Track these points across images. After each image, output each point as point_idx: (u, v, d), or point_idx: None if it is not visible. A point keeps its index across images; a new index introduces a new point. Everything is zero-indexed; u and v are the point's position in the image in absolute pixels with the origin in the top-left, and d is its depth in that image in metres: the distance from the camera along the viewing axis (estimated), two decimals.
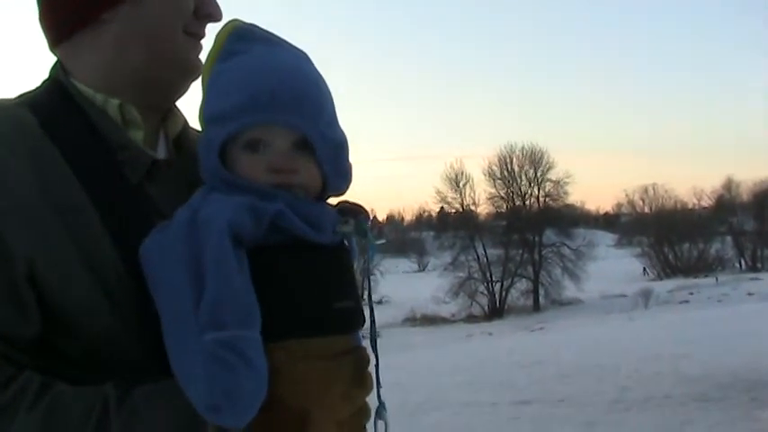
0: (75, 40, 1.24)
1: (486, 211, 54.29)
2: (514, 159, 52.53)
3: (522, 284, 48.07)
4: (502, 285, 46.96)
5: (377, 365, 1.20)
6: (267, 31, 1.19)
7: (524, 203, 52.64)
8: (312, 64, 1.19)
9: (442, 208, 57.78)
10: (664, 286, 44.57)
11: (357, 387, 1.11)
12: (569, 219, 54.92)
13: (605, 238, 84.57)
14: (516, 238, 49.81)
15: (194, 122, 1.32)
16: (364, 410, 1.15)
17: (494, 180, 52.71)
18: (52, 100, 1.23)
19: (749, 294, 34.50)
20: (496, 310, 44.75)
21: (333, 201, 1.21)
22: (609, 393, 9.36)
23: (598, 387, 9.84)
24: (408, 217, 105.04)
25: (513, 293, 47.31)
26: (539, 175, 52.11)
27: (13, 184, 1.10)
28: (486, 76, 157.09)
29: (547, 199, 52.27)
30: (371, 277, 1.23)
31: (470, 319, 41.84)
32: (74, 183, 1.14)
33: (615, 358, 11.99)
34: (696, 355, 11.51)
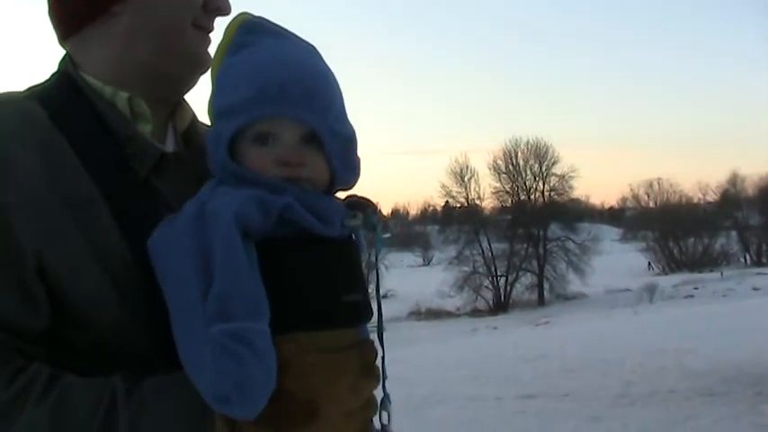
0: (85, 33, 1.25)
1: (491, 205, 54.22)
2: (519, 153, 52.47)
3: (527, 279, 47.99)
4: (507, 279, 46.92)
5: (383, 358, 1.21)
6: (276, 25, 1.19)
7: (529, 198, 52.53)
8: (321, 58, 1.19)
9: (446, 202, 57.83)
10: (669, 281, 44.44)
11: (365, 379, 1.11)
12: (574, 213, 54.82)
13: (610, 233, 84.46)
14: (521, 233, 49.75)
15: (202, 116, 1.33)
16: (371, 403, 1.15)
17: (499, 174, 52.65)
18: (61, 93, 1.23)
19: (754, 289, 34.37)
20: (501, 305, 44.72)
21: (341, 194, 1.21)
22: (613, 388, 9.35)
23: (603, 381, 9.83)
24: (413, 211, 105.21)
25: (518, 288, 47.25)
26: (544, 169, 52.01)
27: (23, 177, 1.11)
28: (492, 70, 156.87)
29: (552, 193, 52.15)
30: (378, 270, 1.24)
31: (475, 313, 41.80)
32: (83, 175, 1.15)
33: (620, 353, 11.98)
34: (701, 349, 11.49)
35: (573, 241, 49.15)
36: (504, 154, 52.49)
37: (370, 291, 1.18)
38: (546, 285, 46.93)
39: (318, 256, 1.10)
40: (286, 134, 1.12)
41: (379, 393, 1.19)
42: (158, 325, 1.06)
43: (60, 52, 1.30)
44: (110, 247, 1.12)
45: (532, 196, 52.45)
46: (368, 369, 1.13)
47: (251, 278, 1.01)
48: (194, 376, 1.00)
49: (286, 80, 1.10)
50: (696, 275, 48.99)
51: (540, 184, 52.18)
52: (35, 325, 1.09)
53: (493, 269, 46.89)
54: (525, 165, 52.43)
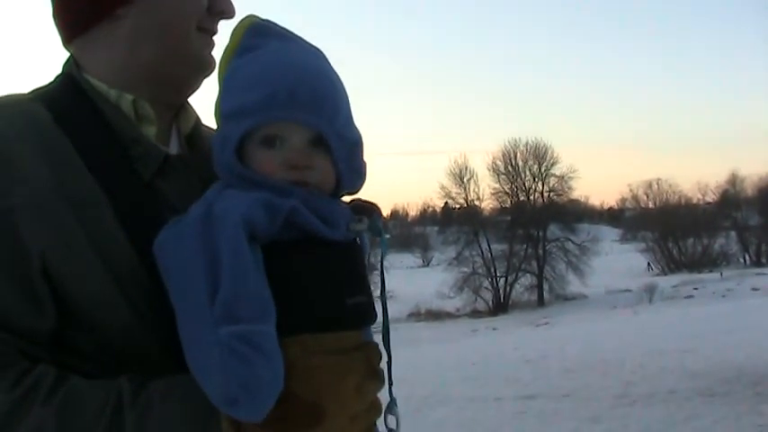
0: (89, 35, 1.25)
1: (491, 206, 54.16)
2: (518, 154, 52.39)
3: (527, 279, 47.93)
4: (506, 280, 46.87)
5: (389, 362, 1.21)
6: (283, 28, 1.19)
7: (528, 198, 52.47)
8: (328, 61, 1.20)
9: (446, 203, 57.76)
10: (668, 281, 44.44)
11: (369, 381, 1.12)
12: (573, 214, 54.78)
13: (610, 233, 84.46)
14: (520, 233, 49.70)
15: (206, 119, 1.33)
16: (376, 406, 1.15)
17: (498, 175, 52.58)
18: (65, 95, 1.23)
19: (754, 289, 34.37)
20: (501, 305, 44.67)
21: (346, 198, 1.22)
22: (614, 388, 9.35)
23: (603, 382, 9.84)
24: (412, 212, 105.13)
25: (518, 288, 47.19)
26: (543, 170, 51.93)
27: (28, 178, 1.11)
28: (491, 71, 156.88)
29: (551, 194, 52.09)
30: (376, 272, 1.24)
31: (475, 314, 41.75)
32: (87, 177, 1.15)
33: (620, 353, 11.99)
34: (701, 349, 11.50)
35: (572, 242, 49.09)
36: (504, 155, 52.50)
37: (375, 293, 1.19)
38: (545, 286, 46.87)
39: (324, 260, 1.10)
40: (294, 137, 1.12)
41: (383, 398, 1.19)
42: (164, 326, 1.06)
43: (65, 54, 1.30)
44: (115, 249, 1.12)
45: (532, 197, 52.44)
46: (372, 371, 1.13)
47: (257, 280, 1.01)
48: (201, 378, 1.00)
49: (295, 84, 1.10)
50: (696, 276, 48.96)
51: (540, 184, 52.15)
52: (40, 326, 1.09)
53: (492, 270, 46.84)
54: (524, 165, 52.41)
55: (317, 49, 1.21)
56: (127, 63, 1.24)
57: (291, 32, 1.20)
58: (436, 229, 78.14)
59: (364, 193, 1.24)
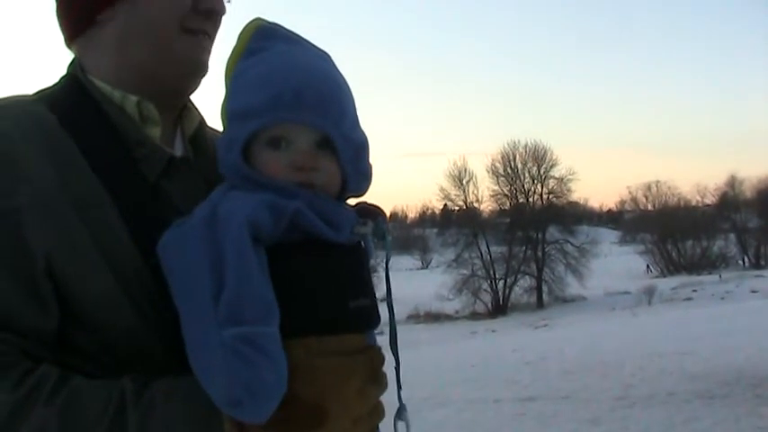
0: (86, 38, 1.26)
1: (490, 208, 54.15)
2: (518, 156, 52.36)
3: (526, 282, 47.92)
4: (505, 282, 46.85)
5: (397, 366, 1.21)
6: (290, 31, 1.19)
7: (528, 201, 52.46)
8: (334, 64, 1.20)
9: (445, 205, 57.74)
10: (667, 283, 44.44)
11: (372, 384, 1.11)
12: (573, 216, 54.82)
13: (609, 236, 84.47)
14: (520, 236, 49.68)
15: (211, 121, 1.33)
16: (379, 409, 1.15)
17: (497, 177, 52.54)
18: (70, 97, 1.24)
19: (753, 291, 34.41)
20: (500, 308, 44.65)
21: (352, 201, 1.22)
22: (613, 390, 9.35)
23: (602, 384, 9.84)
24: (412, 214, 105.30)
25: (517, 291, 47.16)
26: (542, 172, 51.91)
27: (33, 179, 1.11)
28: (490, 73, 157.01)
29: (550, 196, 52.10)
30: (375, 274, 1.24)
31: (474, 316, 41.74)
32: (92, 179, 1.15)
33: (619, 355, 11.99)
34: (700, 351, 11.50)
35: (571, 244, 49.08)
36: (503, 157, 52.47)
37: (379, 296, 1.18)
38: (545, 288, 46.86)
39: (327, 262, 1.10)
40: (300, 139, 1.12)
41: (392, 402, 1.19)
42: (167, 327, 1.07)
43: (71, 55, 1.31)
44: (119, 250, 1.12)
45: (531, 199, 52.42)
46: (375, 375, 1.13)
47: (261, 282, 1.01)
48: (204, 380, 1.00)
49: (302, 86, 1.10)
50: (695, 278, 48.98)
51: (539, 186, 52.14)
52: (44, 326, 1.09)
53: (491, 272, 46.82)
54: (523, 168, 52.40)
55: (324, 52, 1.21)
56: (119, 66, 1.25)
57: (298, 35, 1.20)
58: (435, 231, 78.21)
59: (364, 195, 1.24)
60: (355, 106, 1.19)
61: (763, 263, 61.62)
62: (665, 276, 56.31)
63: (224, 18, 1.30)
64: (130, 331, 1.11)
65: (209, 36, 1.28)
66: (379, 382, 1.14)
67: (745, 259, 64.36)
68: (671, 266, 61.61)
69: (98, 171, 1.16)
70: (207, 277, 1.01)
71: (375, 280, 1.20)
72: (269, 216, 1.04)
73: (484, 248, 48.21)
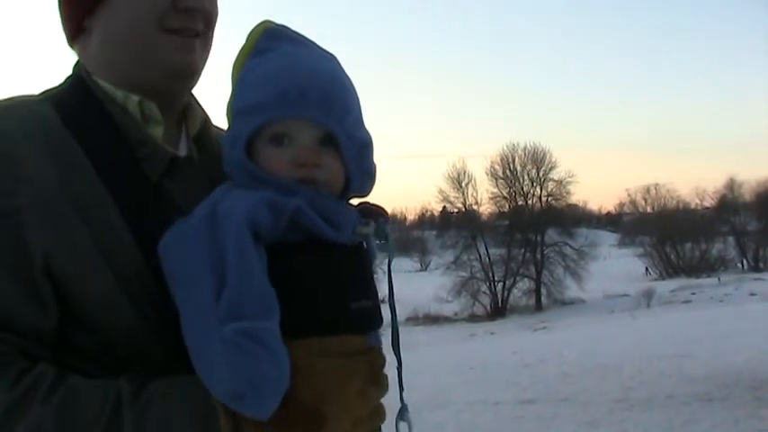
0: (80, 42, 1.28)
1: (489, 210, 54.15)
2: (517, 159, 52.37)
3: (525, 284, 47.92)
4: (504, 285, 46.83)
5: (399, 367, 1.21)
6: (297, 33, 1.20)
7: (527, 203, 52.46)
8: (340, 65, 1.20)
9: (444, 207, 57.68)
10: (666, 286, 44.45)
11: (373, 386, 1.11)
12: (571, 218, 54.80)
13: (607, 238, 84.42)
14: (519, 238, 49.66)
15: (217, 120, 1.32)
16: (380, 411, 1.15)
17: (496, 179, 52.55)
18: (74, 97, 1.24)
19: (751, 294, 34.43)
20: (499, 310, 44.63)
21: (355, 201, 1.21)
22: (612, 393, 9.35)
23: (601, 386, 9.84)
24: (411, 216, 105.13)
25: (516, 293, 47.15)
26: (541, 174, 51.92)
27: (35, 179, 1.11)
28: (489, 75, 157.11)
29: (549, 198, 52.10)
30: (375, 276, 1.23)
31: (473, 318, 41.71)
32: (94, 178, 1.15)
33: (618, 358, 11.99)
34: (699, 354, 11.50)
35: (570, 246, 49.10)
36: (502, 159, 52.48)
37: (382, 298, 1.18)
38: (543, 290, 46.85)
39: (328, 262, 1.10)
40: (303, 135, 1.12)
41: (386, 403, 1.18)
42: (168, 328, 1.07)
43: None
44: (120, 250, 1.12)
45: (530, 201, 52.42)
46: (376, 376, 1.13)
47: (262, 279, 1.01)
48: (206, 376, 1.00)
49: (306, 84, 1.11)
50: (693, 281, 49.02)
51: (538, 189, 52.15)
52: (43, 326, 1.09)
53: (490, 274, 46.79)
54: (523, 170, 52.41)
55: (330, 54, 1.21)
56: (108, 70, 1.25)
57: (305, 37, 1.21)
58: (434, 233, 78.18)
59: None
60: (360, 106, 1.20)
61: (761, 266, 61.62)
62: (663, 279, 56.31)
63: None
64: (130, 331, 1.11)
65: (199, 34, 1.25)
66: (380, 383, 1.13)
67: (744, 262, 64.40)
68: (670, 269, 61.64)
69: (100, 171, 1.16)
70: (208, 276, 1.01)
71: (375, 281, 1.20)
72: (268, 214, 1.04)
73: (483, 251, 48.21)
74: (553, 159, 52.07)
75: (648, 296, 36.75)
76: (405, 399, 1.22)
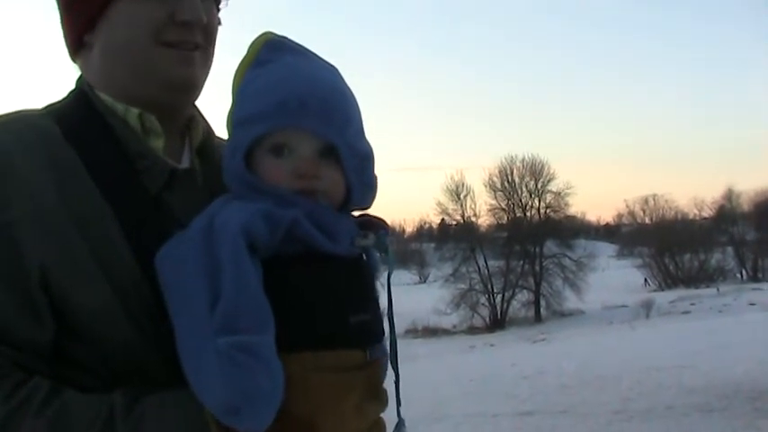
0: (82, 57, 1.30)
1: (487, 222, 54.06)
2: (515, 171, 52.36)
3: (524, 296, 47.78)
4: (503, 297, 46.71)
5: (397, 381, 1.20)
6: (298, 44, 1.20)
7: (525, 215, 52.41)
8: (342, 77, 1.20)
9: (442, 219, 57.64)
10: (665, 297, 44.33)
11: (371, 401, 1.11)
12: (570, 230, 54.66)
13: (606, 249, 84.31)
14: (517, 250, 49.57)
15: (221, 131, 1.33)
16: (379, 426, 1.15)
17: (494, 191, 52.50)
18: (76, 110, 1.25)
19: (751, 304, 34.31)
20: (498, 322, 44.49)
21: (355, 213, 1.21)
22: (611, 404, 9.33)
23: (600, 398, 9.81)
24: (409, 228, 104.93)
25: (515, 305, 47.00)
26: (539, 186, 51.93)
27: (34, 192, 1.12)
28: (487, 88, 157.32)
29: (548, 210, 52.04)
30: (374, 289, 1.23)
31: (472, 330, 41.56)
32: (93, 192, 1.16)
33: (617, 369, 11.96)
34: (698, 365, 11.48)
35: (569, 258, 48.98)
36: (500, 171, 52.45)
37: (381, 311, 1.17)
38: (542, 302, 46.70)
39: (325, 274, 1.09)
40: (302, 146, 1.12)
41: (386, 418, 1.18)
42: (165, 341, 1.06)
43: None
44: (118, 264, 1.13)
45: (528, 213, 52.38)
46: (375, 391, 1.12)
47: (258, 291, 1.01)
48: (200, 389, 0.99)
49: (307, 94, 1.11)
50: (692, 291, 48.89)
51: (536, 201, 52.11)
52: (39, 339, 1.10)
53: (489, 286, 46.66)
54: (521, 182, 52.37)
55: (331, 65, 1.21)
56: (107, 86, 1.26)
57: (306, 48, 1.21)
58: (433, 245, 78.02)
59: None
60: (361, 117, 1.19)
61: (760, 276, 61.54)
62: (662, 290, 56.17)
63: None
64: (127, 344, 1.11)
65: (198, 47, 1.26)
66: (379, 398, 1.13)
67: (743, 272, 64.27)
68: (669, 280, 61.51)
69: (100, 184, 1.16)
70: (203, 288, 1.01)
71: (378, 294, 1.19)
72: (264, 226, 1.03)
73: (481, 263, 48.09)
74: (551, 171, 52.13)
75: (647, 307, 36.65)
76: (403, 413, 1.20)
